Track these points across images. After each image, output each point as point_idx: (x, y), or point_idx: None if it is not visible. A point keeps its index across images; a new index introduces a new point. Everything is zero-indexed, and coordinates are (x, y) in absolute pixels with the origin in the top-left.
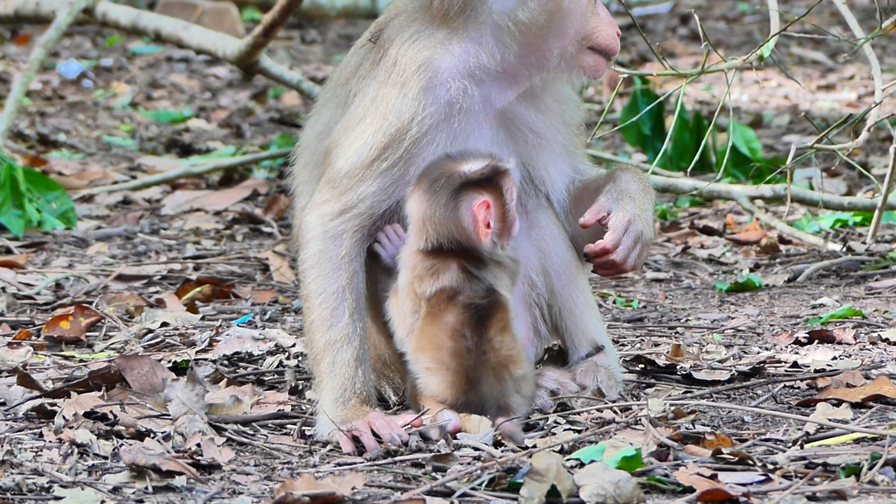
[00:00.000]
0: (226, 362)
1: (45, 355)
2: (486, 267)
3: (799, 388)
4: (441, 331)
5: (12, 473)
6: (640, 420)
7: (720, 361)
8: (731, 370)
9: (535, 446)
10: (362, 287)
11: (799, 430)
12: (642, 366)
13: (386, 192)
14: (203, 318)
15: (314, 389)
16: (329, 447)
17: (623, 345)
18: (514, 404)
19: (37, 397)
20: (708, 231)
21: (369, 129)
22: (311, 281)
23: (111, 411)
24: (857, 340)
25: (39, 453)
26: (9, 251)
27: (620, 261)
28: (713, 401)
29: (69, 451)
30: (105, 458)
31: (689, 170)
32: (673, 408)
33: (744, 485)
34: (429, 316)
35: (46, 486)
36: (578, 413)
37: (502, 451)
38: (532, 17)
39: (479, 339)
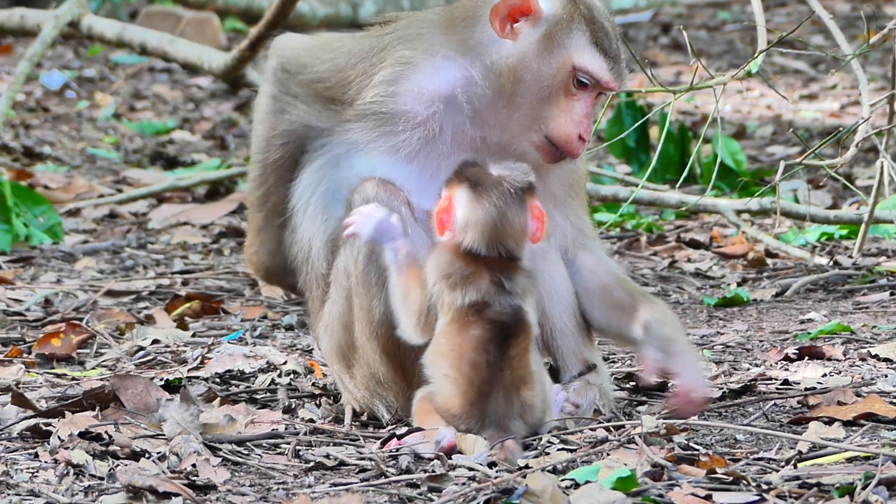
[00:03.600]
0: (218, 380)
1: (38, 373)
2: (517, 279)
3: (790, 405)
4: (466, 341)
5: (9, 494)
6: (633, 439)
7: (711, 378)
8: (722, 388)
9: (528, 466)
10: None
11: (791, 448)
12: (633, 383)
13: (318, 115)
14: (194, 335)
15: None
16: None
17: (613, 362)
18: (513, 427)
19: (31, 417)
20: (694, 244)
21: (330, 65)
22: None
23: (106, 431)
24: (847, 357)
25: (35, 474)
26: None
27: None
28: (705, 419)
29: (65, 472)
30: (101, 478)
31: (678, 184)
32: (665, 425)
33: None
34: (455, 324)
35: None
36: (572, 433)
37: (497, 472)
38: (502, 69)
39: (499, 356)
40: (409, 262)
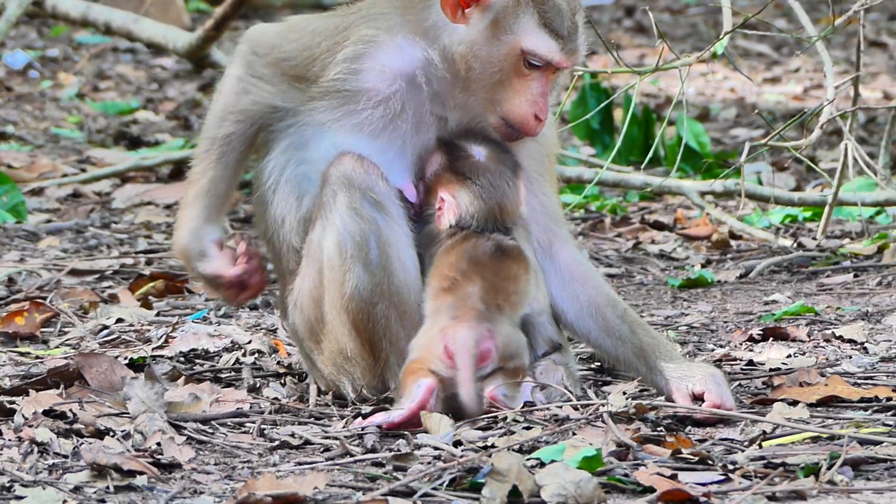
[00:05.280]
0: (182, 359)
1: (1, 351)
2: (512, 231)
3: (755, 386)
4: (458, 251)
5: None
6: (601, 417)
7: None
8: None
9: (493, 446)
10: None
11: (756, 428)
12: (598, 364)
13: (283, 95)
14: (158, 314)
15: None
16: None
17: (577, 342)
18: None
19: None
20: (658, 226)
21: (297, 44)
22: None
23: (70, 409)
24: (811, 338)
25: None
26: None
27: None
28: (670, 399)
29: (29, 450)
30: (65, 456)
31: (643, 166)
32: (636, 407)
33: (704, 485)
34: (448, 247)
35: (7, 485)
36: (538, 411)
37: (462, 451)
38: (455, 55)
39: (488, 255)
40: None
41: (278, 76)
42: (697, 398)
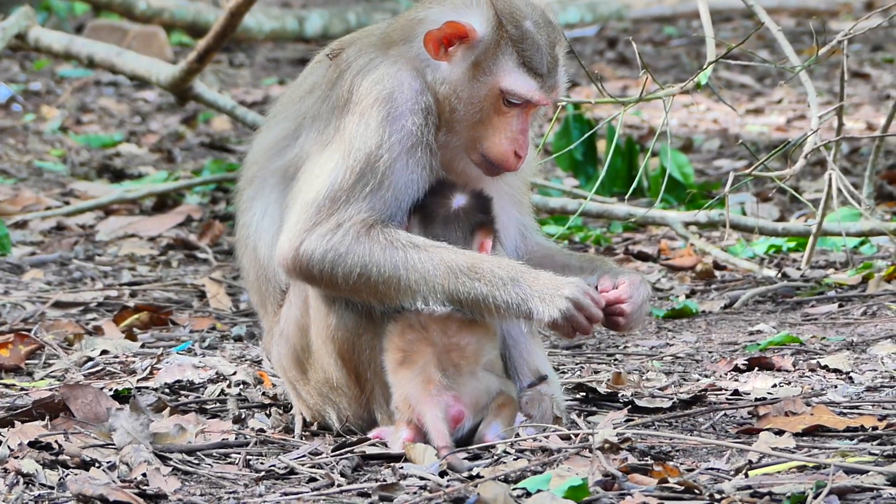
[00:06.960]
0: (167, 391)
1: None
2: None
3: (740, 416)
4: (403, 320)
5: None
6: (588, 448)
7: (661, 389)
8: (672, 398)
9: (480, 475)
10: None
11: (742, 458)
12: (584, 394)
13: (375, 210)
14: (142, 346)
15: None
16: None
17: (563, 372)
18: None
19: None
20: (643, 257)
21: (336, 155)
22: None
23: (56, 441)
24: (796, 367)
25: None
26: None
27: (630, 310)
28: (656, 429)
29: (15, 481)
30: (51, 487)
31: (626, 197)
32: (622, 436)
33: None
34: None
35: None
36: (524, 441)
37: (448, 481)
38: (438, 95)
39: (433, 325)
40: None
41: None
42: (615, 287)
